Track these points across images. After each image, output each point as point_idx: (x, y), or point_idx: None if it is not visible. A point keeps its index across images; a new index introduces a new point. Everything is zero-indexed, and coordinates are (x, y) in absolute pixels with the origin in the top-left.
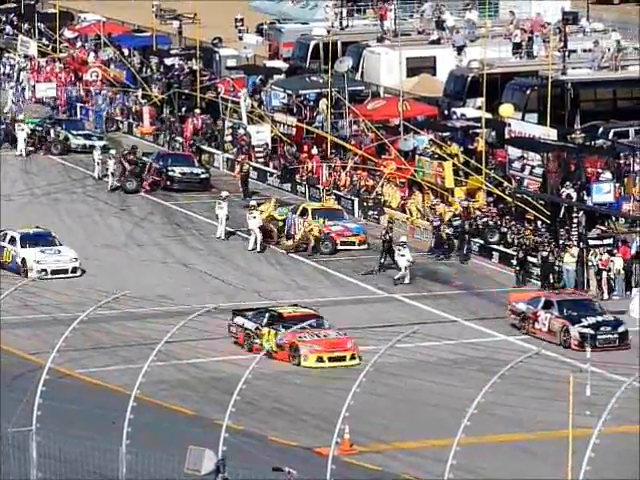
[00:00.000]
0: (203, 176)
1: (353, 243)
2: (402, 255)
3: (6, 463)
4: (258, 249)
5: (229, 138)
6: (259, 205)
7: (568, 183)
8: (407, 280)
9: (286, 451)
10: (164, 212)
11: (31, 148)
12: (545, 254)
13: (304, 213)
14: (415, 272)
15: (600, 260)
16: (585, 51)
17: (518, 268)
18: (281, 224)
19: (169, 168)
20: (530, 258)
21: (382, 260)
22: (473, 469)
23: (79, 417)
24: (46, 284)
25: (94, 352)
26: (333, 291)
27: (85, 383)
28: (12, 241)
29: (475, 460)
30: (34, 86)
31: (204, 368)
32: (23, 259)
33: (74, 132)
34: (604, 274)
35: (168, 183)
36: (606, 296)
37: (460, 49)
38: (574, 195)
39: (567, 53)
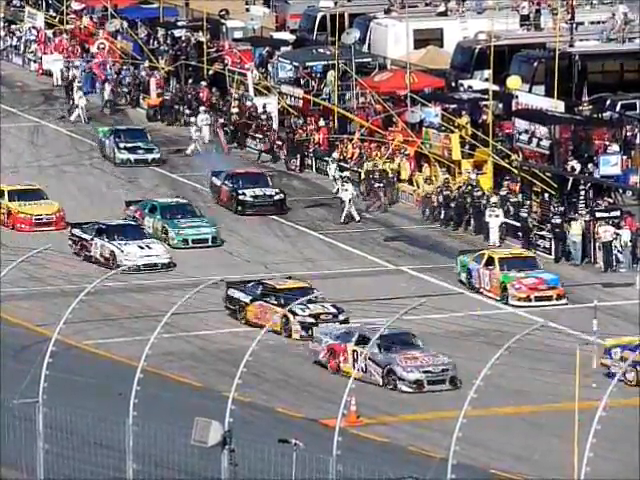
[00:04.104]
0: (277, 197)
1: (550, 297)
2: (497, 215)
3: (12, 435)
4: (342, 220)
5: (236, 110)
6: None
7: (571, 156)
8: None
9: (292, 423)
10: (171, 184)
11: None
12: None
13: (490, 263)
14: (422, 244)
15: (598, 231)
16: (593, 23)
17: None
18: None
19: (239, 191)
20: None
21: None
22: (479, 441)
23: (85, 389)
24: (52, 256)
25: (101, 324)
26: (340, 263)
27: (92, 355)
28: None
29: (481, 432)
30: (41, 58)
31: (211, 340)
32: None
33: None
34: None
35: (239, 208)
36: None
37: None
38: (578, 167)
39: (575, 25)
